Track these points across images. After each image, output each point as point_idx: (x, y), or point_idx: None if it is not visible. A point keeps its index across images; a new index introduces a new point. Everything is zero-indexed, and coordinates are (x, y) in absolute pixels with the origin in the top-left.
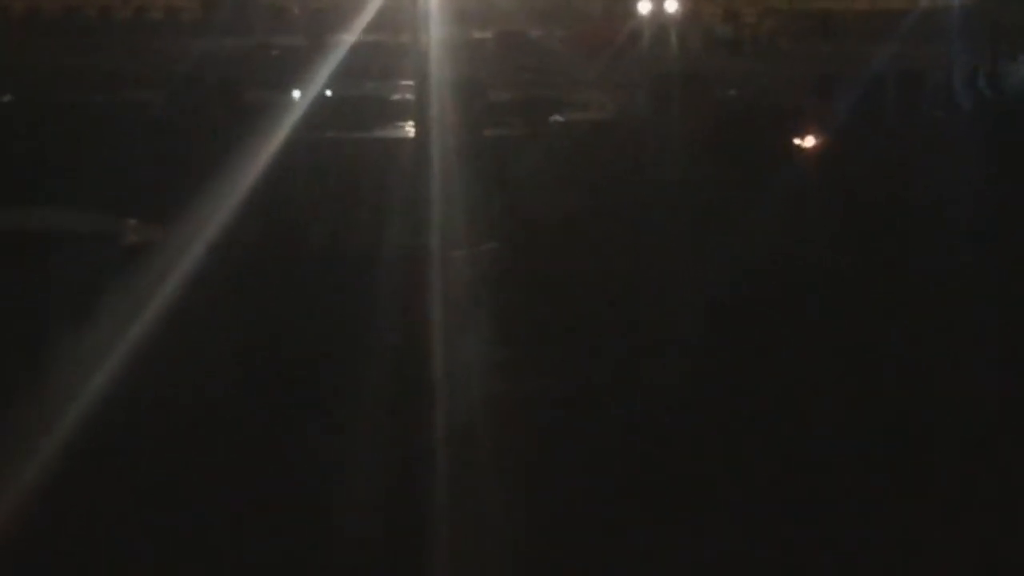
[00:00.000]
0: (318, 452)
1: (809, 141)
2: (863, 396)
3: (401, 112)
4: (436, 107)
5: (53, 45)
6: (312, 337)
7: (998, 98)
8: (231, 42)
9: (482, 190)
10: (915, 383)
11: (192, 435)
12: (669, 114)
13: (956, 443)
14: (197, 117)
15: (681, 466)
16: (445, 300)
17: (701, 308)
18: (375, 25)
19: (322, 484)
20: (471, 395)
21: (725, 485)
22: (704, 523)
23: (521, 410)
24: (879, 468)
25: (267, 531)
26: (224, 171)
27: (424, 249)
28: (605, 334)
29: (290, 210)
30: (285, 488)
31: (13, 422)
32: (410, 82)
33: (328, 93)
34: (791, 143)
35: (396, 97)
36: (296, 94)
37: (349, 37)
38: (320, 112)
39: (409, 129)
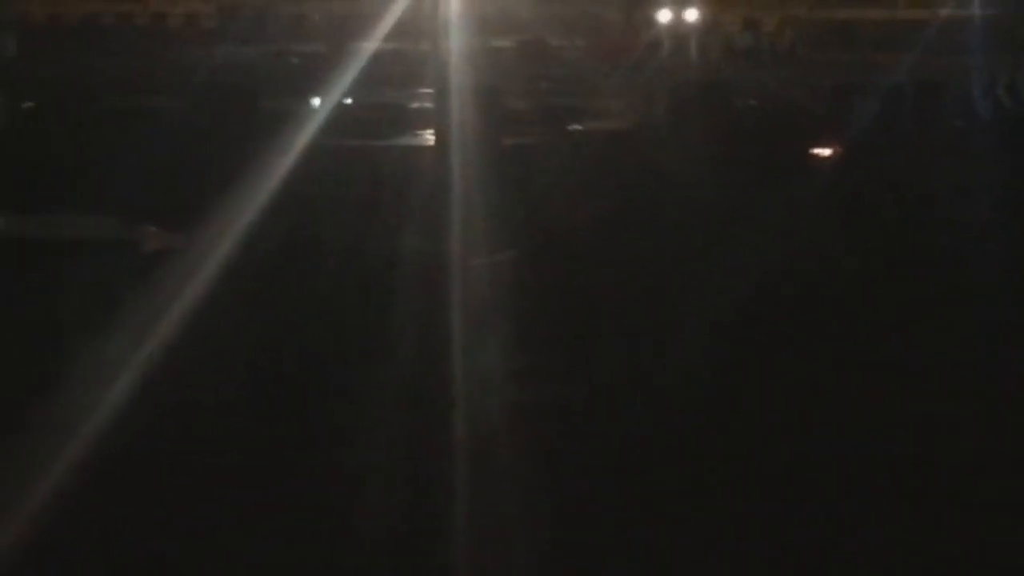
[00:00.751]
0: (337, 460)
1: (828, 150)
2: (883, 405)
3: (421, 120)
4: (455, 115)
5: (73, 52)
6: (331, 345)
7: (1017, 108)
8: (250, 49)
9: (501, 198)
10: (929, 389)
11: (210, 445)
12: (688, 123)
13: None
14: (216, 124)
15: (696, 473)
16: (464, 308)
17: (719, 316)
18: (395, 33)
19: (341, 493)
20: (490, 402)
21: (736, 495)
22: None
23: (539, 418)
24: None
25: (285, 541)
26: (243, 178)
27: (443, 257)
28: (624, 341)
29: (309, 217)
30: (303, 497)
31: (29, 433)
32: (430, 90)
33: (348, 101)
34: (810, 152)
35: (415, 105)
36: (316, 101)
37: (369, 45)
38: (339, 120)
39: (429, 137)
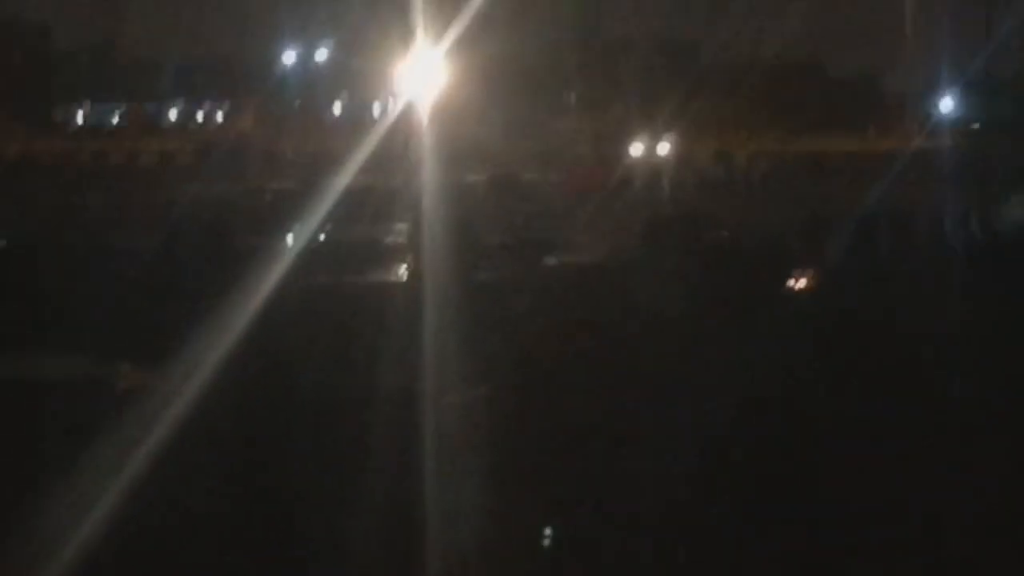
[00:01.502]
0: None
1: (802, 282)
2: None
3: (394, 255)
4: (428, 250)
5: (47, 190)
6: (303, 487)
7: (989, 239)
8: (224, 186)
9: (475, 333)
10: None
11: None
12: (661, 256)
13: None
14: (190, 262)
15: None
16: (437, 445)
17: (693, 457)
18: (368, 168)
19: None
20: (463, 540)
21: None
22: None
23: (513, 555)
24: None
25: None
26: (216, 315)
27: (416, 394)
28: (598, 477)
29: (281, 355)
30: None
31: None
32: (403, 225)
33: (321, 237)
34: (784, 284)
35: (389, 240)
36: (290, 238)
37: (342, 180)
38: (313, 256)
39: (403, 272)
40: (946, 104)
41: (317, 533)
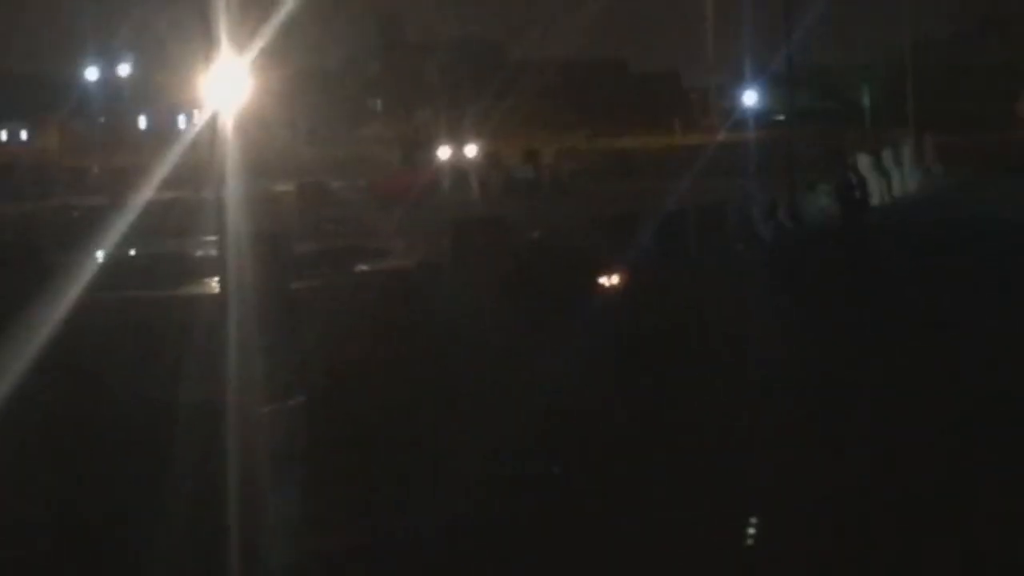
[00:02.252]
0: None
1: (614, 279)
2: None
3: (205, 268)
4: (240, 262)
5: None
6: (108, 495)
7: (797, 230)
8: (31, 204)
9: (289, 344)
10: None
11: None
12: (471, 259)
13: None
14: None
15: None
16: (250, 457)
17: (511, 450)
18: (176, 182)
19: None
20: (279, 553)
21: None
22: None
23: (331, 568)
24: None
25: None
26: (25, 332)
27: (227, 405)
28: (417, 483)
29: (91, 370)
30: None
31: None
32: (213, 238)
33: (131, 252)
34: (595, 282)
35: (200, 253)
36: (99, 254)
37: (150, 195)
38: (123, 271)
39: (214, 285)
40: (750, 97)
41: (120, 548)
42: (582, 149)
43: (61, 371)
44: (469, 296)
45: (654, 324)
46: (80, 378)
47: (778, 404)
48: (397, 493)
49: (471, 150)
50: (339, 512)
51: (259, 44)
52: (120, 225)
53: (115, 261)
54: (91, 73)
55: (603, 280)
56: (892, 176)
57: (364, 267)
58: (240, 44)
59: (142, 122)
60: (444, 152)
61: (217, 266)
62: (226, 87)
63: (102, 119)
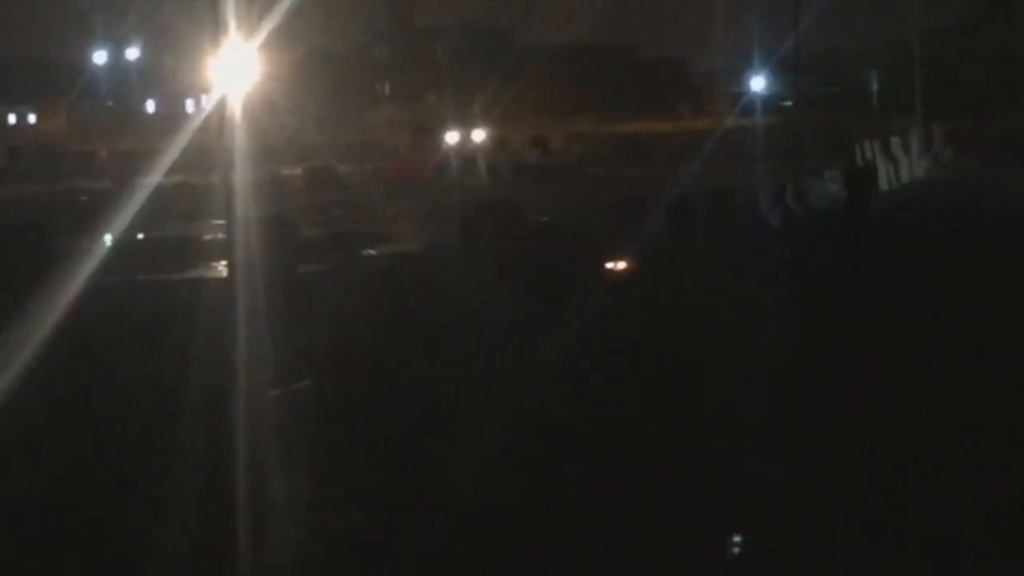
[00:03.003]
0: None
1: (621, 264)
2: None
3: (214, 252)
4: (247, 245)
5: None
6: (121, 478)
7: (805, 214)
8: (39, 188)
9: (297, 327)
10: None
11: None
12: (479, 243)
13: None
14: (5, 264)
15: None
16: (258, 441)
17: (518, 435)
18: (183, 166)
19: None
20: (285, 536)
21: None
22: None
23: (339, 550)
24: None
25: None
26: (33, 317)
27: (237, 389)
28: (423, 466)
29: (99, 353)
30: None
31: None
32: (221, 222)
33: (140, 236)
34: (602, 267)
35: (208, 237)
36: (107, 238)
37: (157, 179)
38: (132, 255)
39: (222, 269)
40: (758, 82)
41: (133, 529)
42: (590, 134)
43: (69, 354)
44: (477, 280)
45: (660, 308)
46: (87, 361)
47: (782, 388)
48: (404, 476)
49: (479, 135)
50: (345, 495)
51: (267, 28)
52: (128, 209)
53: (123, 245)
54: (99, 57)
55: (610, 264)
56: (900, 162)
57: (372, 251)
58: (248, 28)
59: (150, 106)
60: (452, 137)
61: (225, 249)
62: (234, 71)
63: (110, 103)
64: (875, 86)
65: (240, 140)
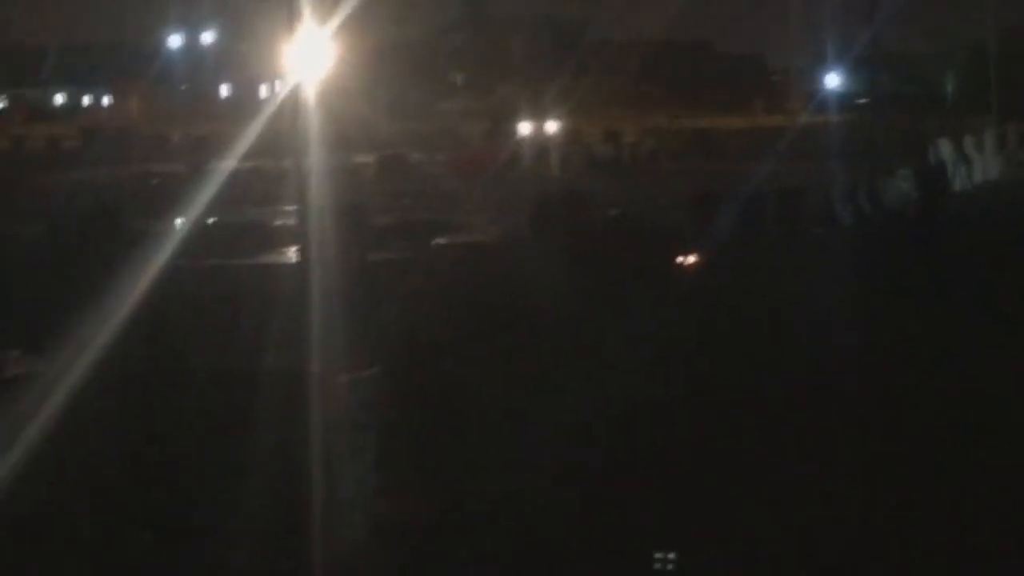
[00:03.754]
0: None
1: (691, 259)
2: None
3: (284, 238)
4: (318, 232)
5: None
6: (194, 467)
7: (877, 214)
8: (111, 170)
9: (366, 315)
10: None
11: None
12: (550, 234)
13: None
14: (78, 247)
15: None
16: (328, 426)
17: (585, 429)
18: (256, 151)
19: None
20: (355, 521)
21: None
22: None
23: (405, 536)
24: None
25: None
26: (106, 300)
27: (307, 375)
28: (489, 457)
29: (173, 339)
30: None
31: None
32: (292, 208)
33: (210, 220)
34: (673, 261)
35: (279, 223)
36: (178, 221)
37: (230, 164)
38: (202, 239)
39: (292, 255)
40: (832, 79)
41: (209, 514)
42: (664, 128)
43: (143, 338)
44: (547, 270)
45: (728, 304)
46: (161, 345)
47: (849, 390)
48: (469, 464)
49: (552, 126)
50: (413, 482)
51: (342, 15)
52: (200, 193)
53: (195, 229)
54: (174, 41)
55: (681, 259)
56: (974, 163)
57: (442, 240)
58: (323, 15)
59: (224, 91)
60: (525, 128)
61: (296, 236)
62: (308, 58)
63: (184, 87)
64: (950, 85)
65: (313, 127)
